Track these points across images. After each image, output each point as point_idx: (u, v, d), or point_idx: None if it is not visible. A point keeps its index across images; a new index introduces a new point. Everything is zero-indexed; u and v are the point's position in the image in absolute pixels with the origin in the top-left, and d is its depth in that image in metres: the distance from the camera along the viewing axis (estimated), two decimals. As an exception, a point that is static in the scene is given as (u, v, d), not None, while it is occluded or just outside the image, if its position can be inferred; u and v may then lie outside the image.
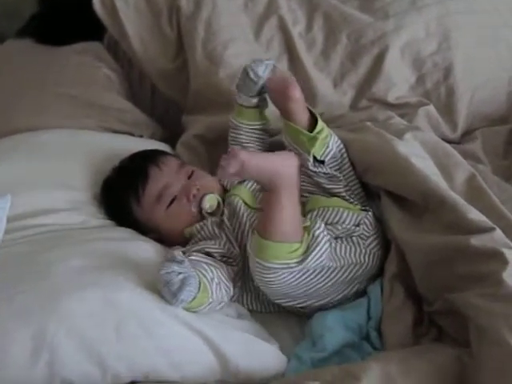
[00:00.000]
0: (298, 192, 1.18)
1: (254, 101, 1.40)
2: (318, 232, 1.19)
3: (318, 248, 1.18)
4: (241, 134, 1.43)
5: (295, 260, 1.16)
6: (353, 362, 1.17)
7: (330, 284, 1.22)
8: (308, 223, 1.20)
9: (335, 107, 1.59)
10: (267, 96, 1.39)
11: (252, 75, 1.35)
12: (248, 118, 1.42)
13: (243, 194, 1.35)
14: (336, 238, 1.26)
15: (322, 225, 1.21)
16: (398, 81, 1.61)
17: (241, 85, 1.39)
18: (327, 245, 1.20)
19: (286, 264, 1.16)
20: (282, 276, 1.17)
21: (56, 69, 1.70)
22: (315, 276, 1.20)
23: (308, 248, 1.17)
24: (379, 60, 1.61)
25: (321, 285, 1.21)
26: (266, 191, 1.17)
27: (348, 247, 1.25)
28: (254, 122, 1.43)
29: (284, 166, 1.15)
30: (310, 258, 1.17)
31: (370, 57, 1.62)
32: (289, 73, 1.38)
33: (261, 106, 1.42)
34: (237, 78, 1.47)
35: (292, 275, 1.17)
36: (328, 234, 1.24)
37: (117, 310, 1.09)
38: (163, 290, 1.11)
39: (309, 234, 1.18)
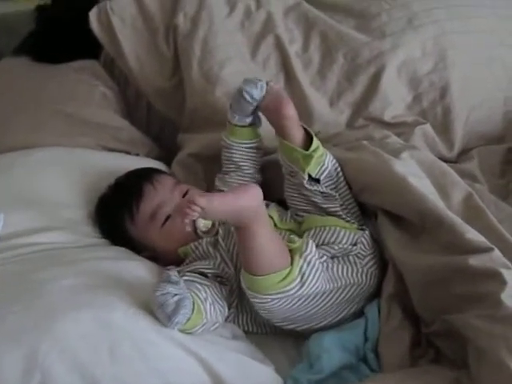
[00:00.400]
0: (267, 220, 1.15)
1: (248, 120, 1.39)
2: (310, 257, 1.17)
3: (313, 274, 1.16)
4: (233, 153, 1.42)
5: (289, 287, 1.14)
6: (350, 383, 1.15)
7: (328, 305, 1.21)
8: (297, 244, 1.18)
9: (332, 126, 1.58)
10: (261, 114, 1.39)
11: (248, 98, 1.34)
12: (241, 137, 1.41)
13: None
14: (332, 258, 1.25)
15: (314, 248, 1.19)
16: (394, 100, 1.61)
17: (235, 106, 1.38)
18: (321, 268, 1.18)
19: (281, 292, 1.14)
20: (279, 303, 1.15)
21: (52, 86, 1.69)
22: (313, 299, 1.18)
23: (302, 273, 1.15)
24: (376, 79, 1.60)
25: (319, 307, 1.20)
26: (236, 229, 1.14)
27: (345, 267, 1.24)
28: (247, 140, 1.42)
29: (246, 200, 1.10)
30: (306, 285, 1.15)
31: (367, 76, 1.61)
32: (282, 88, 1.37)
33: (254, 125, 1.41)
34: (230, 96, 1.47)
35: (289, 301, 1.16)
36: (324, 254, 1.23)
37: (110, 331, 1.07)
38: (157, 312, 1.10)
39: (300, 257, 1.16)
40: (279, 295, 1.14)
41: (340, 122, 1.61)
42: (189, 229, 1.30)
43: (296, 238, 1.21)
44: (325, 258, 1.22)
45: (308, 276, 1.15)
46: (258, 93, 1.33)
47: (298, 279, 1.15)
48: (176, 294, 1.09)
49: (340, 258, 1.25)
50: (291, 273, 1.14)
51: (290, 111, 1.31)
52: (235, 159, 1.42)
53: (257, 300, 1.16)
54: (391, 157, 1.34)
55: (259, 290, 1.14)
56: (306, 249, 1.18)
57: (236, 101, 1.37)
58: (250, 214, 1.10)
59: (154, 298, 1.09)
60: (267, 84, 1.35)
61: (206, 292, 1.18)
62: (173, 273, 1.14)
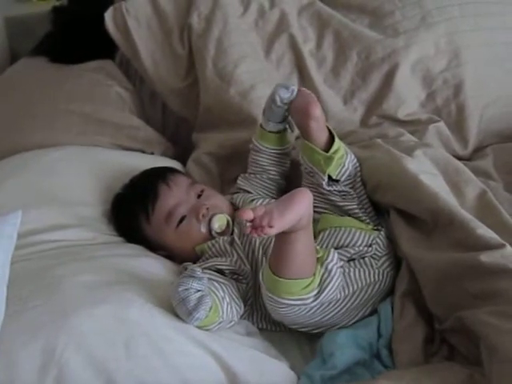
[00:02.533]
0: (311, 227, 1.14)
1: (281, 126, 1.40)
2: (331, 265, 1.17)
3: (332, 282, 1.16)
4: (262, 157, 1.43)
5: (309, 295, 1.14)
6: (363, 380, 1.15)
7: (344, 310, 1.21)
8: (321, 254, 1.18)
9: (345, 124, 1.59)
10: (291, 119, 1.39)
11: (278, 101, 1.35)
12: (272, 143, 1.42)
13: (253, 212, 1.34)
14: (349, 261, 1.25)
15: (335, 256, 1.19)
16: (408, 98, 1.61)
17: (268, 112, 1.39)
18: (341, 277, 1.18)
19: (299, 300, 1.14)
20: (295, 309, 1.16)
21: (68, 86, 1.71)
22: (327, 305, 1.19)
23: (322, 282, 1.16)
24: (389, 77, 1.61)
25: (335, 312, 1.20)
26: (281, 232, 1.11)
27: (362, 270, 1.24)
28: (278, 146, 1.43)
29: (303, 210, 1.09)
30: (324, 293, 1.16)
31: (380, 74, 1.62)
32: (311, 92, 1.38)
33: (286, 130, 1.42)
34: (249, 95, 1.49)
35: (303, 310, 1.16)
36: (341, 259, 1.23)
37: (126, 326, 1.09)
38: (178, 307, 1.11)
39: (321, 266, 1.16)
40: (297, 301, 1.14)
41: (354, 119, 1.62)
42: (204, 230, 1.32)
43: (318, 247, 1.21)
44: (342, 263, 1.22)
45: (327, 285, 1.16)
46: (288, 96, 1.34)
47: (317, 289, 1.15)
48: (198, 290, 1.11)
49: (356, 261, 1.26)
50: (313, 282, 1.14)
51: (318, 111, 1.31)
52: (263, 163, 1.43)
53: (272, 303, 1.16)
54: (404, 155, 1.34)
55: (279, 293, 1.14)
56: (328, 257, 1.18)
57: (268, 106, 1.38)
58: (303, 222, 1.10)
59: (175, 293, 1.11)
60: (298, 89, 1.35)
61: (223, 291, 1.19)
62: (197, 268, 1.15)
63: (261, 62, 1.66)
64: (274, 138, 1.42)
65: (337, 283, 1.17)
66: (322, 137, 1.32)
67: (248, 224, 1.04)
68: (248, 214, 1.04)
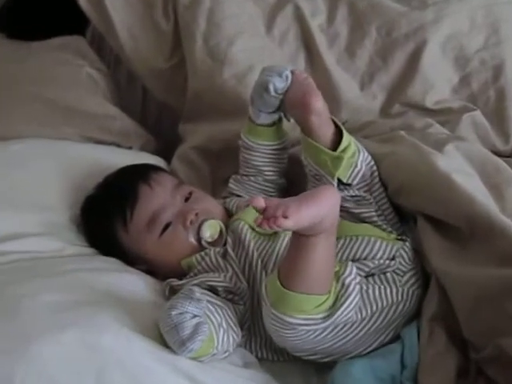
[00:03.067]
0: (335, 232, 1.14)
1: (275, 117, 1.40)
2: (348, 280, 1.17)
3: (349, 300, 1.16)
4: (255, 156, 1.43)
5: (321, 315, 1.14)
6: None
7: (361, 334, 1.21)
8: (337, 268, 1.18)
9: (362, 113, 1.60)
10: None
11: (272, 91, 1.34)
12: (266, 138, 1.42)
13: (249, 218, 1.33)
14: (367, 277, 1.25)
15: (354, 270, 1.20)
16: (437, 82, 1.62)
17: (258, 101, 1.38)
18: (359, 295, 1.18)
19: (310, 319, 1.14)
20: (303, 332, 1.15)
21: (30, 68, 1.72)
22: (342, 328, 1.18)
23: (337, 300, 1.16)
24: (415, 57, 1.62)
25: (350, 337, 1.20)
26: (296, 234, 1.11)
27: (383, 287, 1.24)
28: (273, 141, 1.43)
29: (328, 209, 1.08)
30: (339, 312, 1.15)
31: (405, 53, 1.62)
32: (309, 77, 1.36)
33: (282, 121, 1.41)
34: (246, 78, 1.50)
35: (316, 332, 1.15)
36: (358, 274, 1.23)
37: (98, 355, 1.08)
38: (169, 333, 1.11)
39: (337, 281, 1.17)
40: (306, 321, 1.14)
41: (373, 108, 1.62)
42: (192, 240, 1.32)
43: None
44: (359, 278, 1.22)
45: (344, 302, 1.16)
46: (282, 84, 1.34)
47: (331, 309, 1.15)
48: (195, 316, 1.11)
49: (376, 277, 1.26)
50: (327, 300, 1.14)
51: (319, 104, 1.30)
52: (256, 163, 1.44)
53: (276, 322, 1.15)
54: (433, 150, 1.34)
55: (285, 310, 1.13)
56: (345, 271, 1.18)
57: (258, 95, 1.37)
58: (326, 224, 1.09)
59: (167, 317, 1.10)
60: (292, 73, 1.35)
61: (220, 315, 1.19)
62: (196, 288, 1.15)
63: (261, 39, 1.67)
64: (268, 132, 1.41)
65: (354, 301, 1.17)
66: (327, 132, 1.32)
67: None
68: (259, 202, 1.04)
